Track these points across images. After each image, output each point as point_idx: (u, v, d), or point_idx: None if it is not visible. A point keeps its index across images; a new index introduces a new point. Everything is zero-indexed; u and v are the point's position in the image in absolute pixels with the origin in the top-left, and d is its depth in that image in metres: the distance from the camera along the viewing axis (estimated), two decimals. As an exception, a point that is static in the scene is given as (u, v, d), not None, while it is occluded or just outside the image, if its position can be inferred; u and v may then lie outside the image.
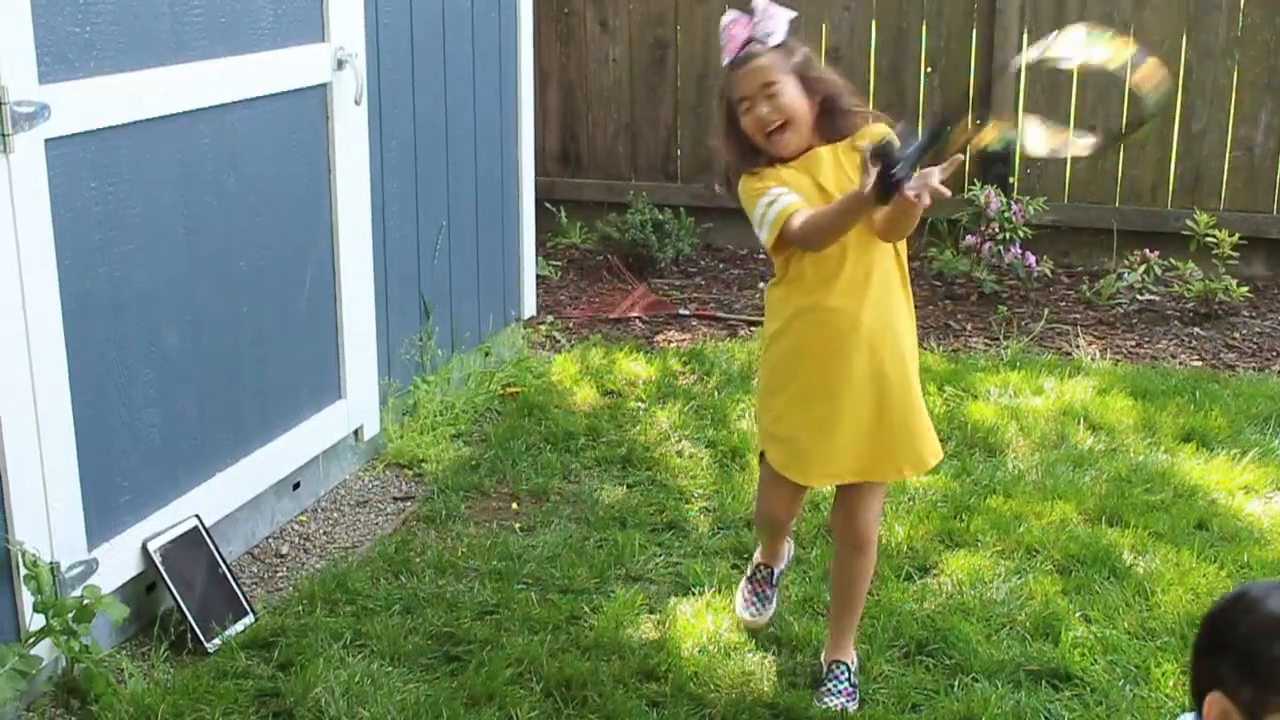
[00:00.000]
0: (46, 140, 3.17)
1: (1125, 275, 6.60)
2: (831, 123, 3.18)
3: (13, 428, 3.16)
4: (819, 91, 3.16)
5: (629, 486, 4.61)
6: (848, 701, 3.37)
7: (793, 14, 3.21)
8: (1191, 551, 4.05)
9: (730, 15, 3.20)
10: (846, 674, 3.43)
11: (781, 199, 3.12)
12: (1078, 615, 3.74)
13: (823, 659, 3.50)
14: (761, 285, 6.87)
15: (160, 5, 3.52)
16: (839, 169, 3.16)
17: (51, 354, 3.25)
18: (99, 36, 3.32)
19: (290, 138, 4.14)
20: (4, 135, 3.04)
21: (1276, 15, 6.73)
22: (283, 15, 4.02)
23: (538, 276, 6.29)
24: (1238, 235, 6.52)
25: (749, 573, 3.70)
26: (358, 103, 4.36)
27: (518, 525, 4.35)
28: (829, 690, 3.40)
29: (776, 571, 3.66)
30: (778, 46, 3.16)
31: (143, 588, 3.69)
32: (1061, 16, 7.00)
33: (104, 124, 3.36)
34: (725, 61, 3.20)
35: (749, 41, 3.18)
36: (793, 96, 3.14)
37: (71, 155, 3.27)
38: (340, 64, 4.27)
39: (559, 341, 6.21)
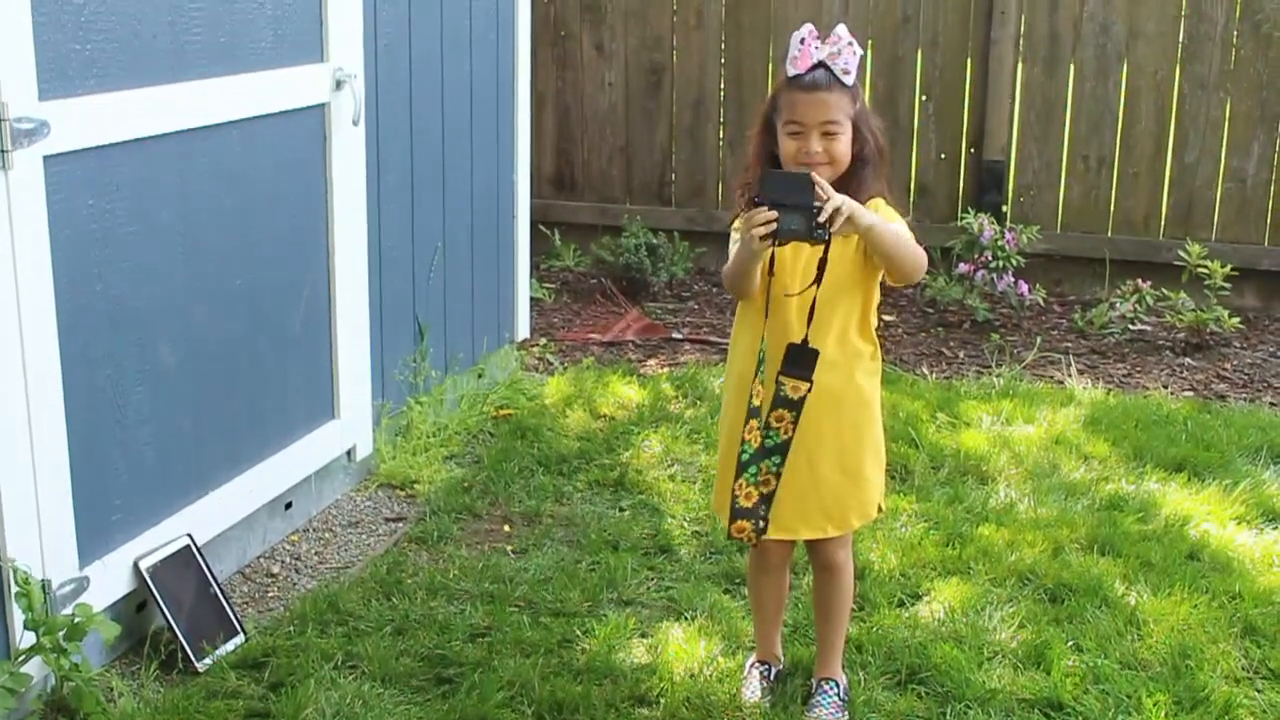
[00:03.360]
0: (45, 157, 3.17)
1: (1117, 305, 6.62)
2: (851, 182, 3.09)
3: (6, 444, 3.15)
4: (860, 149, 3.10)
5: (621, 510, 4.61)
6: (837, 714, 3.39)
7: (861, 52, 3.11)
8: (1183, 582, 4.05)
9: (808, 28, 3.08)
10: (835, 690, 3.45)
11: (739, 244, 3.15)
12: (1069, 644, 3.74)
13: (813, 679, 3.51)
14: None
15: (160, 24, 3.53)
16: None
17: (46, 370, 3.24)
18: (99, 54, 3.33)
19: (288, 157, 4.14)
20: (3, 152, 3.04)
21: (1268, 49, 6.77)
22: (282, 35, 4.03)
23: (531, 298, 6.29)
24: (1229, 266, 6.55)
25: (749, 663, 3.62)
26: (356, 123, 4.37)
27: (510, 548, 4.34)
28: (816, 704, 3.43)
29: (774, 671, 3.58)
30: (848, 87, 3.07)
31: (134, 606, 3.68)
32: (1056, 47, 7.05)
33: (103, 141, 3.37)
34: (790, 72, 3.07)
35: (819, 65, 3.06)
36: (844, 144, 3.07)
37: (70, 172, 3.27)
38: (339, 84, 4.28)
39: (552, 364, 6.22)
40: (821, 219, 2.86)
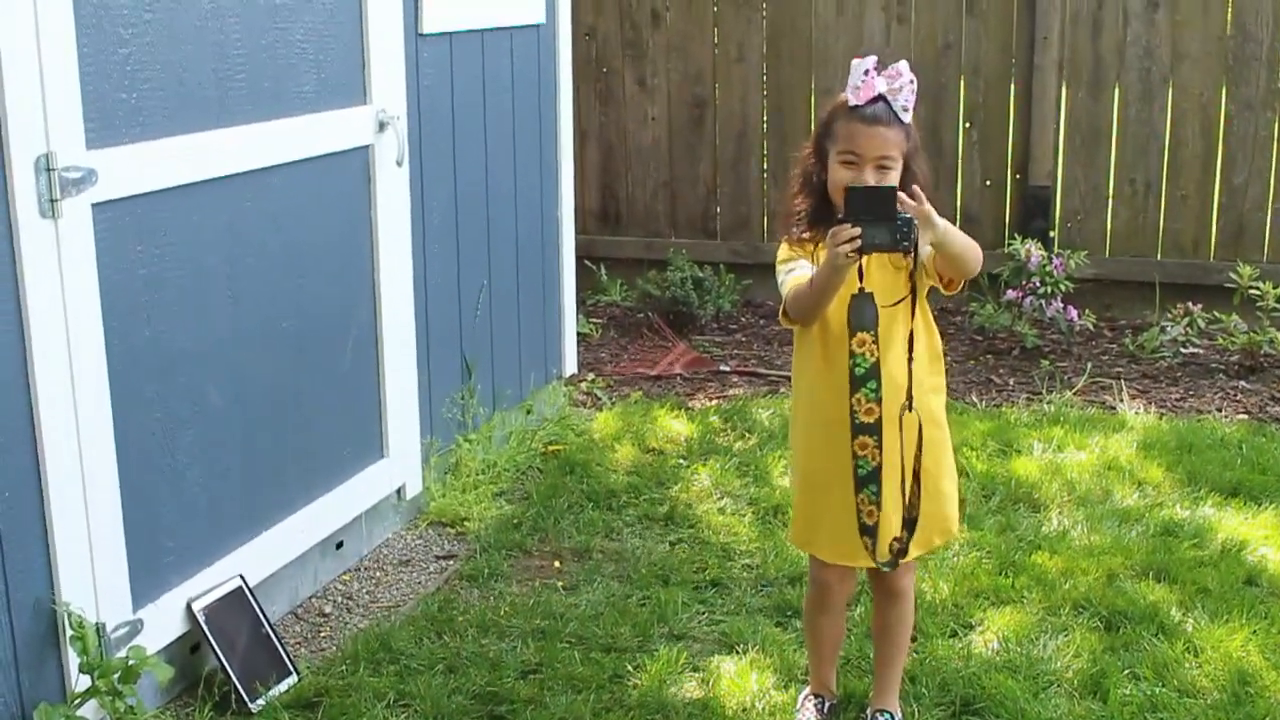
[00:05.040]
0: (94, 205, 3.21)
1: (1168, 329, 6.57)
2: None
3: (59, 489, 3.19)
4: (907, 185, 3.05)
5: (671, 544, 4.60)
6: None
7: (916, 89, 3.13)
8: (1241, 608, 4.00)
9: (872, 59, 3.08)
10: None
11: (797, 271, 3.15)
12: (1126, 673, 3.70)
13: (868, 711, 3.49)
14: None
15: (205, 71, 3.58)
16: (878, 264, 3.11)
17: (97, 415, 3.28)
18: (145, 102, 3.37)
19: (333, 199, 4.18)
20: (53, 200, 3.09)
21: (1316, 67, 6.72)
22: (325, 79, 4.07)
23: (578, 334, 6.31)
24: (1282, 287, 6.49)
25: (803, 695, 3.60)
26: (399, 164, 4.41)
27: (560, 584, 4.34)
28: None
29: (828, 704, 3.55)
30: (905, 123, 3.07)
31: (187, 648, 3.70)
32: (1100, 71, 7.01)
33: (149, 188, 3.41)
34: (852, 101, 3.06)
35: (880, 98, 3.06)
36: (894, 179, 3.05)
37: (117, 219, 3.31)
38: (382, 126, 4.31)
39: (600, 399, 6.22)
40: (908, 232, 2.90)
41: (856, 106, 3.07)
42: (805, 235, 3.19)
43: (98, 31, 3.21)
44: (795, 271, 3.17)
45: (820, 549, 3.35)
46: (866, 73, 3.07)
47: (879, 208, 2.90)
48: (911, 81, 3.08)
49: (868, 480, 3.02)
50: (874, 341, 2.97)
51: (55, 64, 3.07)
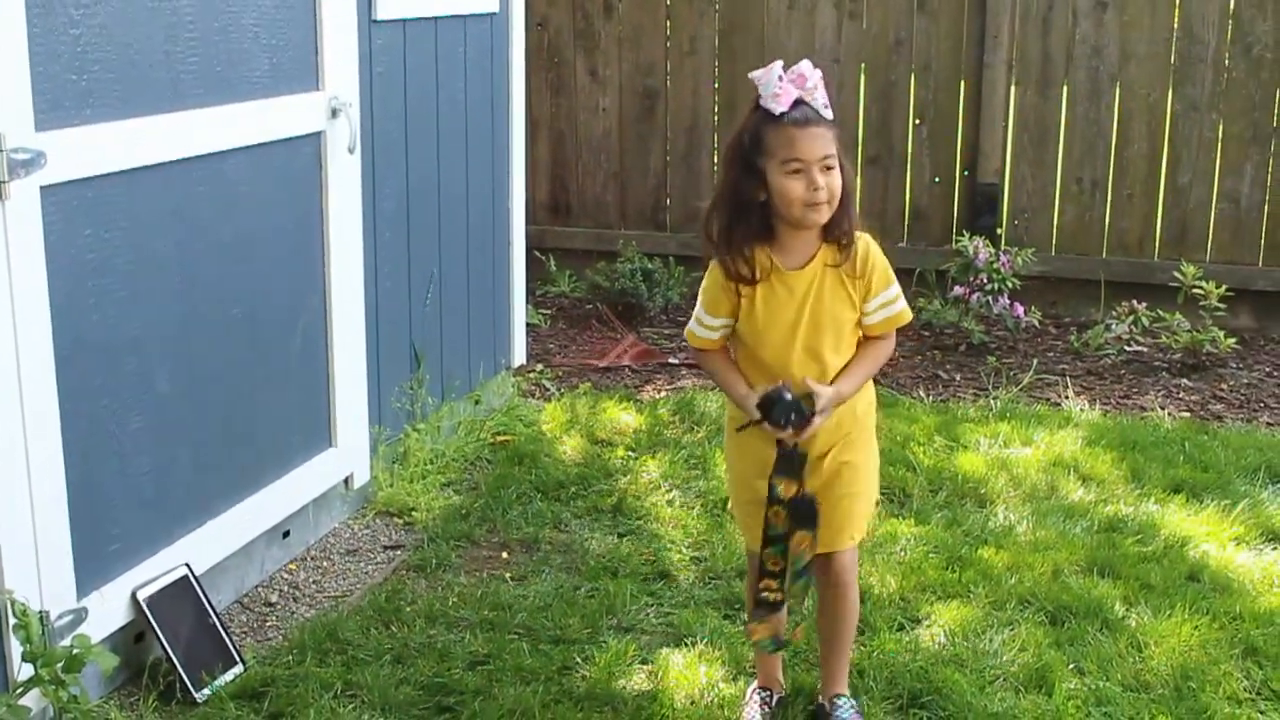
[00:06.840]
0: (42, 187, 3.17)
1: (1113, 326, 6.63)
2: (843, 218, 3.10)
3: (3, 476, 3.14)
4: (845, 182, 3.08)
5: (620, 536, 4.60)
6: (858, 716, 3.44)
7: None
8: (1183, 603, 4.04)
9: (778, 65, 3.04)
10: (849, 702, 3.46)
11: (713, 332, 3.28)
12: (1070, 667, 3.73)
13: (821, 700, 3.51)
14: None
15: (156, 54, 3.54)
16: (825, 279, 3.15)
17: (43, 401, 3.24)
18: (96, 84, 3.33)
19: (284, 186, 4.14)
20: (0, 182, 3.04)
21: (1260, 70, 6.80)
22: (278, 64, 4.04)
23: (528, 325, 6.29)
24: (1224, 287, 6.54)
25: (750, 689, 3.60)
26: (351, 151, 4.38)
27: (509, 574, 4.33)
28: (838, 718, 3.44)
29: (775, 697, 3.56)
30: (830, 121, 3.06)
31: (132, 637, 3.66)
32: (1049, 69, 7.07)
33: (99, 171, 3.37)
34: (776, 109, 3.02)
35: (799, 102, 3.03)
36: (838, 179, 3.04)
37: (67, 202, 3.27)
38: (334, 113, 4.28)
39: (549, 390, 6.21)
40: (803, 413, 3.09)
41: (783, 114, 3.04)
42: (744, 271, 3.16)
43: (48, 12, 3.17)
44: (710, 331, 3.30)
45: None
46: (780, 79, 3.03)
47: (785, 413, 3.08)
48: (822, 78, 3.07)
49: (775, 540, 3.15)
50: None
51: (4, 45, 3.02)
